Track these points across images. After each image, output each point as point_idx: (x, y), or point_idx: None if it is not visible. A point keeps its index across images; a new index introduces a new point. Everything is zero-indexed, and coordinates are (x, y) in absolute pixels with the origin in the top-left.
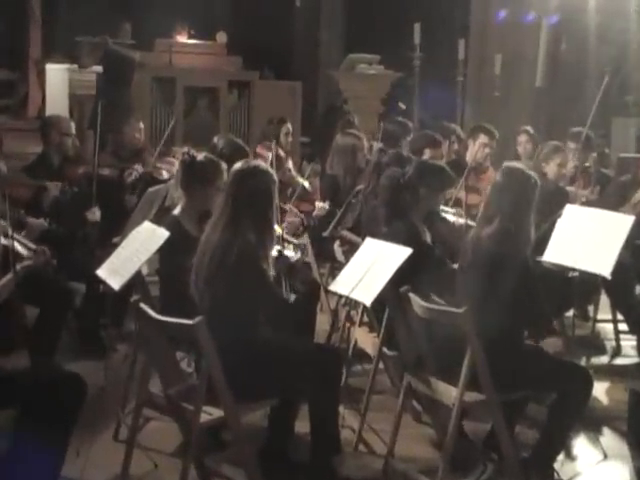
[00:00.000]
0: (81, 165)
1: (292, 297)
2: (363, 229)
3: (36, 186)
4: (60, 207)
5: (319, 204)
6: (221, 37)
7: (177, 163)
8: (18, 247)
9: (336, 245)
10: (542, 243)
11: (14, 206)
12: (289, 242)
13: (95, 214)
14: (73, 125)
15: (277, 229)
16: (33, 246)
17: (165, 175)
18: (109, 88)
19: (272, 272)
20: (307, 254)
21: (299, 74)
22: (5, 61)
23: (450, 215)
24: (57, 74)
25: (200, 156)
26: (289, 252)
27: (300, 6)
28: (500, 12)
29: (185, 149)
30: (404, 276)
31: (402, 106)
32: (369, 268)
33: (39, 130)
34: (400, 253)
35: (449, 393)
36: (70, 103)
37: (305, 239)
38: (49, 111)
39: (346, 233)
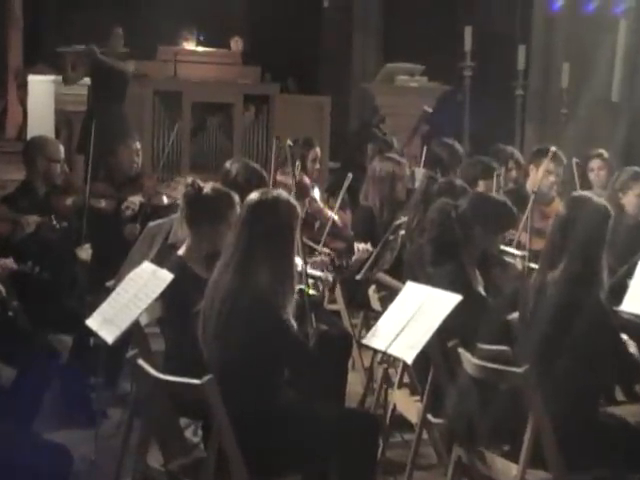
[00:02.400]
0: (70, 195)
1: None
2: (404, 271)
3: (17, 220)
4: (45, 245)
5: (361, 246)
6: (236, 44)
7: (180, 194)
8: None
9: (371, 290)
10: (620, 290)
11: None
12: (312, 277)
13: (87, 252)
14: (62, 149)
15: (299, 263)
16: None
17: (165, 201)
18: (100, 104)
19: (294, 322)
20: (337, 297)
21: (328, 87)
22: None
23: (511, 258)
24: (41, 87)
25: (207, 188)
26: (313, 290)
27: (329, 6)
28: (555, 3)
29: (189, 180)
30: (452, 328)
31: (428, 109)
32: (411, 318)
33: (22, 154)
34: (448, 300)
35: (508, 470)
36: (56, 121)
37: (329, 275)
38: (32, 131)
39: (383, 276)
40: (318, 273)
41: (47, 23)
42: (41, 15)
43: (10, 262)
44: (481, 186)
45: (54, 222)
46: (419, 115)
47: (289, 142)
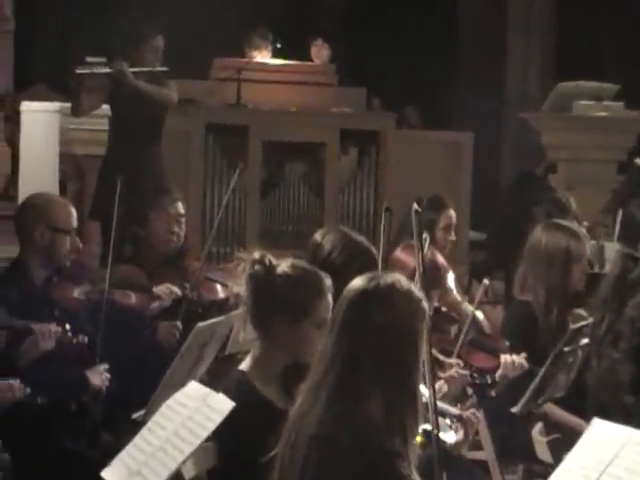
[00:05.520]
0: (81, 284)
1: None
2: (589, 403)
3: (14, 330)
4: (45, 359)
5: (509, 358)
6: (319, 51)
7: (243, 277)
8: None
9: (536, 431)
10: None
11: None
12: (444, 413)
13: (101, 376)
14: (73, 213)
15: (424, 392)
16: None
17: (220, 292)
18: (125, 147)
19: (416, 478)
20: (482, 441)
21: (468, 119)
22: None
23: None
24: (40, 119)
25: (284, 266)
26: (443, 432)
27: None
28: None
29: (256, 255)
30: None
31: None
32: (600, 476)
33: (13, 222)
34: None
35: None
36: (62, 170)
37: (473, 410)
38: (25, 184)
39: (554, 409)
40: (453, 410)
41: (50, 26)
42: (42, 15)
43: (17, 386)
44: None
45: (70, 333)
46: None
47: (415, 207)
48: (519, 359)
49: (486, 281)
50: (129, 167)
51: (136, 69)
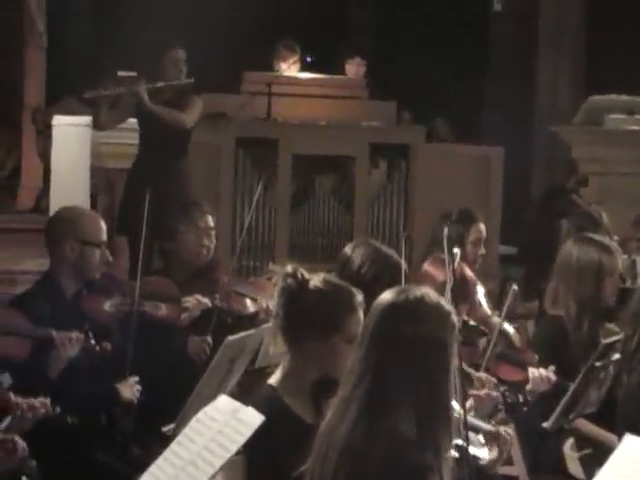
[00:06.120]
0: (112, 296)
1: None
2: (619, 418)
3: (37, 339)
4: (73, 370)
5: (537, 372)
6: (357, 68)
7: (275, 291)
8: None
9: (567, 446)
10: None
11: None
12: (476, 429)
13: (132, 388)
14: (104, 227)
15: (456, 409)
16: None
17: (250, 308)
18: (151, 158)
19: None
20: (513, 456)
21: (497, 132)
22: None
23: None
24: (71, 133)
25: (316, 281)
26: (476, 448)
27: (502, 11)
28: None
29: (289, 268)
30: None
31: None
32: None
33: (43, 235)
34: None
35: None
36: (93, 184)
37: (507, 426)
38: (56, 198)
39: (586, 424)
40: (487, 426)
41: (82, 40)
42: (74, 29)
43: (47, 405)
44: None
45: (93, 341)
46: None
47: (446, 231)
48: (547, 373)
49: (515, 287)
50: (155, 181)
51: (161, 84)
